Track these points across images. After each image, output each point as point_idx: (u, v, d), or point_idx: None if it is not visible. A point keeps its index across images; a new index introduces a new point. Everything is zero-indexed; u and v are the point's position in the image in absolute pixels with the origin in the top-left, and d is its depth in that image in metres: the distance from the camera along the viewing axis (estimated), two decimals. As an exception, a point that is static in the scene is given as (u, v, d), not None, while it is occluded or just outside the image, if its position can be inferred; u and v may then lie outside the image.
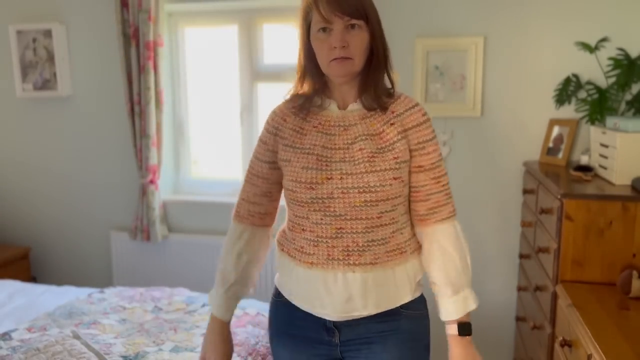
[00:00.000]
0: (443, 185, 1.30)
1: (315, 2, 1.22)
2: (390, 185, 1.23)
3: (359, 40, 1.23)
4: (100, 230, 3.17)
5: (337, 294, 1.27)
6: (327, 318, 1.31)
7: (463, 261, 1.31)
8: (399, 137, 1.26)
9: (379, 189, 1.23)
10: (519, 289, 2.54)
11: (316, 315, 1.32)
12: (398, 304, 1.31)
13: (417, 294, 1.35)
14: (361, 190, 1.23)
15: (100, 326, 2.08)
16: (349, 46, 1.21)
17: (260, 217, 1.42)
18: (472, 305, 1.32)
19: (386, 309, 1.30)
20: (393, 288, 1.29)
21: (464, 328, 1.31)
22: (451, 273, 1.30)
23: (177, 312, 2.25)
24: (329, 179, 1.24)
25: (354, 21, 1.21)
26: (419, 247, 1.35)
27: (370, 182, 1.22)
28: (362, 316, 1.30)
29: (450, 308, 1.31)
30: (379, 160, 1.24)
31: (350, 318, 1.30)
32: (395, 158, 1.25)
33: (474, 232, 2.65)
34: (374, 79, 1.28)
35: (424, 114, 1.30)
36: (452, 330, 1.31)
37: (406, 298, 1.32)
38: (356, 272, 1.25)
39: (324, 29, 1.22)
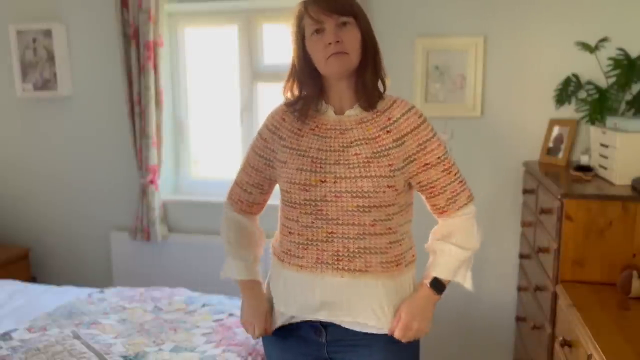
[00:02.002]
0: (455, 174, 1.32)
1: (305, 8, 1.26)
2: (384, 192, 1.24)
3: (352, 35, 1.26)
4: (100, 230, 3.17)
5: (319, 298, 1.27)
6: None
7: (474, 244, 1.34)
8: (395, 144, 1.27)
9: (372, 195, 1.23)
10: (519, 289, 2.54)
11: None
12: (374, 322, 1.29)
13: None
14: (354, 194, 1.24)
15: (100, 326, 2.08)
16: (342, 41, 1.24)
17: (248, 205, 1.46)
18: (468, 282, 1.34)
19: (364, 322, 1.28)
20: (376, 302, 1.27)
21: (440, 286, 1.32)
22: (466, 245, 1.32)
23: (177, 312, 2.25)
24: (322, 181, 1.25)
25: (343, 19, 1.24)
26: (413, 260, 1.37)
27: (364, 186, 1.23)
28: (344, 322, 1.30)
29: (450, 267, 1.31)
30: (374, 166, 1.25)
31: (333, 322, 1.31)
32: (389, 165, 1.25)
33: (474, 232, 2.65)
34: (367, 75, 1.29)
35: (420, 116, 1.31)
36: (428, 279, 1.32)
37: (383, 323, 1.29)
38: (344, 277, 1.26)
39: (317, 31, 1.25)
